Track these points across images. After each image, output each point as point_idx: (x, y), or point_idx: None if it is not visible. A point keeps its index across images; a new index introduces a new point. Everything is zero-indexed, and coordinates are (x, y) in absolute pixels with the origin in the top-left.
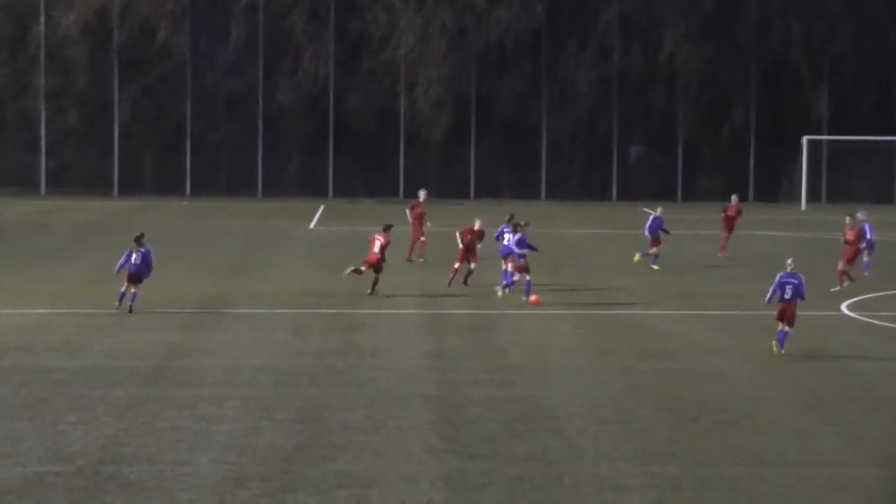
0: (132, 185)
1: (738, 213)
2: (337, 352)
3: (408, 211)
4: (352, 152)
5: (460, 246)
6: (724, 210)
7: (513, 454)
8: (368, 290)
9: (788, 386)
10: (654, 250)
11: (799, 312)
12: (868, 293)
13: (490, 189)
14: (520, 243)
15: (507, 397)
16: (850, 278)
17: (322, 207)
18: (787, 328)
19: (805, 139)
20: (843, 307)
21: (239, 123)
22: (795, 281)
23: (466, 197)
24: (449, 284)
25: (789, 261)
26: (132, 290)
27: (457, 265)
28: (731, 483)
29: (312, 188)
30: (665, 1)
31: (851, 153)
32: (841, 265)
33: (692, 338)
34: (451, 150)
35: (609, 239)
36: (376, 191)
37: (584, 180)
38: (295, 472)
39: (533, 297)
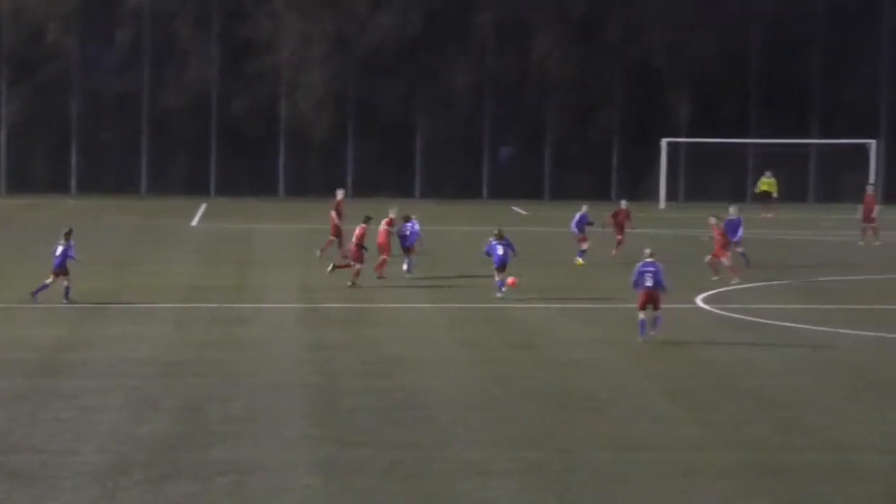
0: (21, 184)
1: (627, 215)
2: (219, 344)
3: (332, 212)
4: (234, 152)
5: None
6: (615, 214)
7: (387, 441)
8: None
9: (649, 375)
10: (584, 245)
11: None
12: (721, 287)
13: (367, 188)
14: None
15: (382, 387)
16: (716, 272)
17: (204, 206)
18: (656, 312)
19: (664, 141)
20: (699, 300)
21: (125, 124)
22: (653, 269)
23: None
24: (380, 275)
25: (647, 251)
26: (59, 282)
27: (384, 256)
28: (596, 467)
29: (196, 187)
30: (536, 8)
31: (708, 154)
32: (726, 261)
33: (559, 329)
34: (331, 150)
35: (480, 236)
36: (257, 189)
37: (457, 179)
38: (176, 459)
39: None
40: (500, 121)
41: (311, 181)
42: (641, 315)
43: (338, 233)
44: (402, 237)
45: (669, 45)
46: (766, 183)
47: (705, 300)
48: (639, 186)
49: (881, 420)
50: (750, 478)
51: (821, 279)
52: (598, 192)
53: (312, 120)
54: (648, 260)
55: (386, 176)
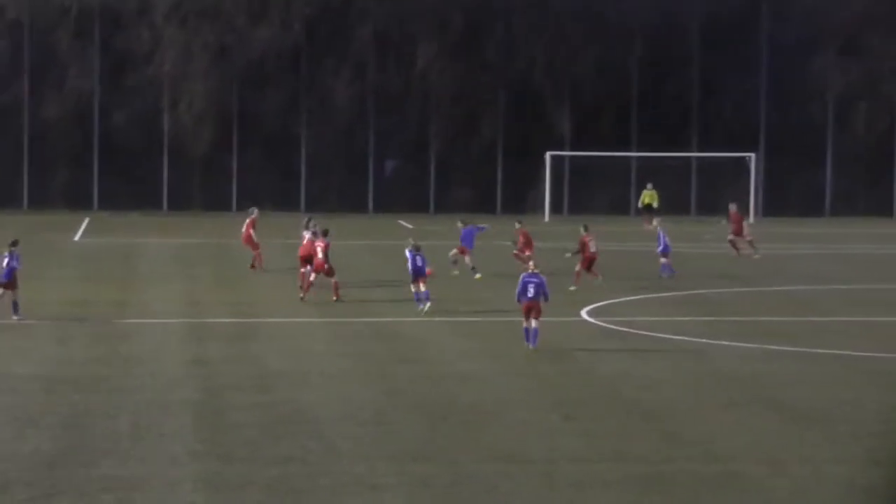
0: None
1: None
2: (102, 360)
3: (251, 230)
4: (117, 166)
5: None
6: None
7: (272, 456)
8: (333, 298)
9: (534, 387)
10: (468, 259)
11: (543, 319)
12: (605, 300)
13: (252, 201)
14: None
15: (267, 402)
16: (595, 275)
17: (87, 220)
18: (534, 324)
19: (548, 154)
20: (584, 313)
21: (4, 137)
22: (537, 280)
23: (229, 209)
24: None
25: (531, 263)
26: (11, 296)
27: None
28: (481, 480)
29: (78, 201)
30: (417, 20)
31: (591, 168)
32: (578, 267)
33: (444, 343)
34: (214, 163)
35: (366, 250)
36: (141, 203)
37: (342, 192)
38: (59, 477)
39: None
40: (383, 133)
41: (195, 195)
42: (526, 324)
43: (256, 247)
44: None
45: (550, 58)
46: (648, 195)
47: (590, 313)
48: (524, 200)
49: (760, 431)
50: (634, 490)
51: (702, 291)
52: (484, 205)
53: (195, 133)
54: (533, 271)
55: (271, 189)
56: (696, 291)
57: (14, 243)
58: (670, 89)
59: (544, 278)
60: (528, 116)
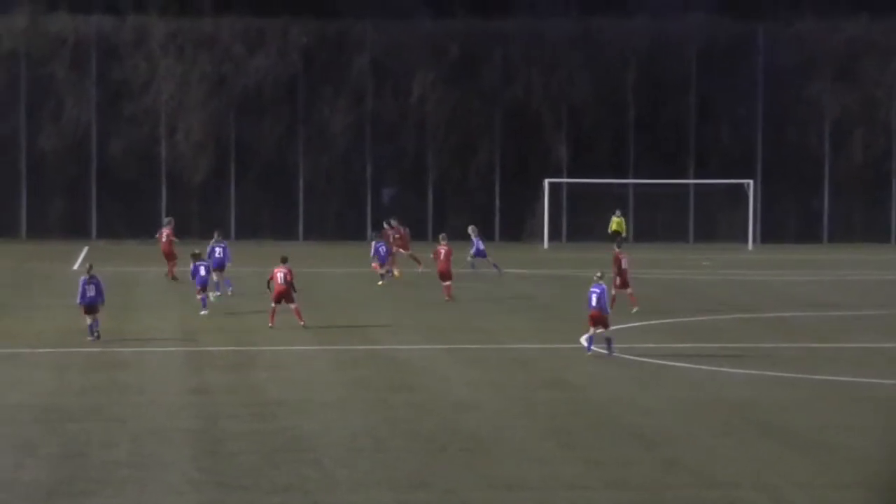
0: None
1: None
2: (100, 389)
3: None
4: (115, 195)
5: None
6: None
7: (272, 484)
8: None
9: (531, 415)
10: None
11: (542, 346)
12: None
13: (250, 230)
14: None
15: (266, 430)
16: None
17: (86, 249)
18: (601, 330)
19: (546, 181)
20: (583, 339)
21: (2, 167)
22: (598, 290)
23: (227, 237)
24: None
25: (598, 273)
26: (91, 319)
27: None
28: None
29: (76, 230)
30: (414, 49)
31: (589, 194)
32: (629, 290)
33: (443, 371)
34: (212, 192)
35: (363, 277)
36: (139, 232)
37: (339, 220)
38: None
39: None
40: (380, 161)
41: (193, 224)
42: (591, 331)
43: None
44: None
45: (547, 85)
46: (616, 221)
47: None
48: (521, 227)
49: (758, 457)
50: None
51: (701, 318)
52: (482, 232)
53: (193, 162)
54: (598, 282)
55: (268, 218)
56: (694, 318)
57: (90, 269)
58: (667, 115)
59: (605, 287)
60: (525, 143)
